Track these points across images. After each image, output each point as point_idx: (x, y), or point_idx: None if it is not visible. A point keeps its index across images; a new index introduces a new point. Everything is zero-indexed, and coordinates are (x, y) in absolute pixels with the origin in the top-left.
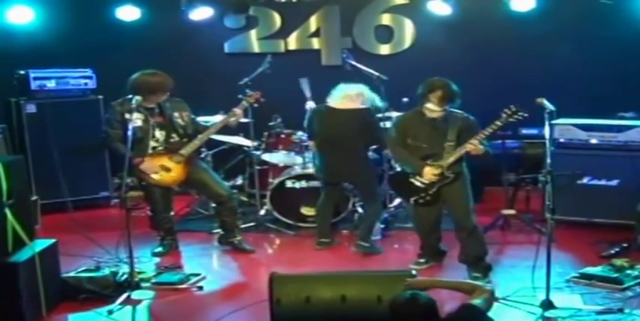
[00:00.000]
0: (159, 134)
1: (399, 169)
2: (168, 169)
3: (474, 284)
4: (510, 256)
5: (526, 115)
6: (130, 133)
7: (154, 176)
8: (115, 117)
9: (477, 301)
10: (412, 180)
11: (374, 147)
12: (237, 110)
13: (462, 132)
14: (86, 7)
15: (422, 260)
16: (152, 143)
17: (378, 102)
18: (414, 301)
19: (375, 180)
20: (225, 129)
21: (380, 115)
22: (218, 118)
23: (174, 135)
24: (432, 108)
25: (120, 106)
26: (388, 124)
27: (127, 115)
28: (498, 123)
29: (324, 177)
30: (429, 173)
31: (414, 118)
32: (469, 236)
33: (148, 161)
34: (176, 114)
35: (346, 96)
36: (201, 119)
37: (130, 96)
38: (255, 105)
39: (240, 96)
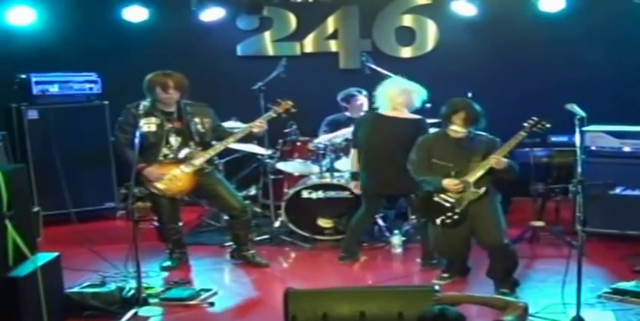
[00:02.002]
0: (174, 141)
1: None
2: (175, 178)
3: (506, 300)
4: (539, 271)
5: (549, 125)
6: (137, 140)
7: (159, 185)
8: (128, 120)
9: (509, 318)
10: (437, 199)
11: None
12: (262, 121)
13: (489, 153)
14: (91, 7)
15: (445, 275)
16: (164, 150)
17: (424, 96)
18: (442, 317)
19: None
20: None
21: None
22: (230, 124)
23: (190, 142)
24: (457, 129)
25: (135, 109)
26: None
27: (141, 120)
28: (523, 133)
29: (372, 189)
30: (451, 184)
31: (439, 139)
32: (500, 252)
33: (153, 168)
34: (196, 120)
35: (395, 109)
36: None
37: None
38: (284, 115)
39: (269, 105)
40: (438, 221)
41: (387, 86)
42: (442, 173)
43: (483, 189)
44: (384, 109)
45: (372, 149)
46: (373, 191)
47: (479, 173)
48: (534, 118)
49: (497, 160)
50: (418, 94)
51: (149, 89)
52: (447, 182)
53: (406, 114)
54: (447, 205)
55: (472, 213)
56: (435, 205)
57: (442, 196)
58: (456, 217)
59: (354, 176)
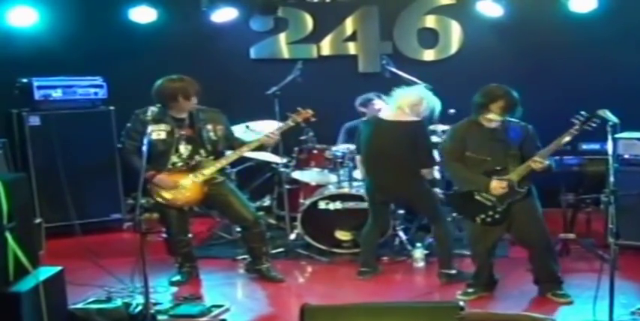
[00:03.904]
0: (184, 149)
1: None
2: (183, 188)
3: (534, 317)
4: (569, 286)
5: (599, 121)
6: (144, 147)
7: (166, 195)
8: (136, 127)
9: None
10: (478, 197)
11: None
12: (275, 132)
13: (524, 142)
14: (96, 7)
15: (471, 290)
16: (173, 158)
17: (438, 109)
18: None
19: (435, 197)
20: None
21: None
22: (242, 131)
23: (201, 151)
24: (494, 118)
25: (143, 115)
26: (435, 139)
27: (150, 127)
28: (574, 131)
29: (375, 195)
30: (498, 187)
31: (473, 129)
32: (547, 252)
33: (164, 175)
34: (209, 127)
35: (400, 108)
36: None
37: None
38: (303, 125)
39: (288, 113)
40: (478, 220)
41: (403, 92)
42: (478, 169)
43: (526, 188)
44: (389, 108)
45: (372, 154)
46: (376, 198)
47: (523, 172)
48: (583, 113)
49: (542, 163)
50: (430, 106)
51: (169, 97)
52: (494, 185)
53: (406, 116)
54: (489, 203)
55: (515, 212)
56: (475, 203)
57: (484, 194)
58: (497, 216)
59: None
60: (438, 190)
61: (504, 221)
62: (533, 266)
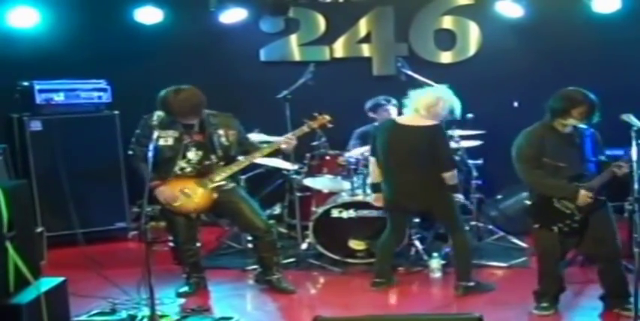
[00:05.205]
0: (193, 155)
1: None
2: (191, 195)
3: None
4: (592, 298)
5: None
6: (150, 154)
7: (172, 203)
8: (145, 132)
9: None
10: (558, 205)
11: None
12: (292, 137)
13: (595, 147)
14: (100, 7)
15: (545, 304)
16: (181, 164)
17: (458, 109)
18: None
19: (456, 205)
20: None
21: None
22: (254, 137)
23: (212, 156)
24: (573, 123)
25: (151, 120)
26: (453, 145)
27: (156, 132)
28: None
29: (393, 202)
30: (586, 196)
31: (549, 134)
32: (617, 265)
33: (168, 185)
34: (220, 132)
35: (416, 110)
36: None
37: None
38: (319, 131)
39: (304, 120)
40: (556, 229)
41: (419, 94)
42: (554, 175)
43: (604, 198)
44: (406, 112)
45: (390, 161)
46: (394, 205)
47: (605, 179)
48: None
49: (625, 169)
50: (449, 106)
51: (169, 112)
52: (583, 194)
53: (423, 120)
54: (568, 211)
55: (592, 221)
56: (554, 211)
57: (564, 202)
58: (575, 225)
59: (374, 188)
60: (459, 196)
61: (582, 231)
62: (604, 281)
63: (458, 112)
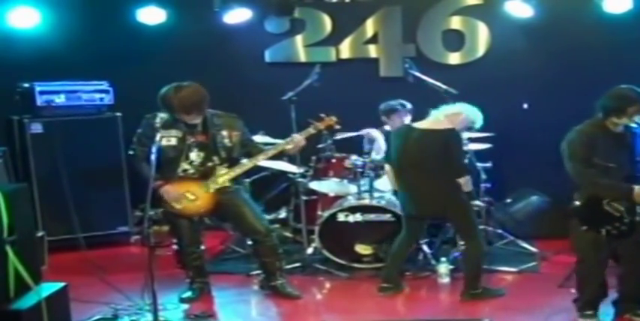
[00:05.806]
0: (195, 156)
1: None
2: (193, 197)
3: None
4: (604, 303)
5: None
6: (153, 156)
7: (175, 204)
8: (147, 132)
9: None
10: (607, 207)
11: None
12: (299, 137)
13: None
14: (102, 8)
15: (589, 312)
16: (184, 165)
17: (479, 123)
18: None
19: (472, 211)
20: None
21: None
22: (258, 139)
23: (214, 157)
24: (626, 122)
25: (154, 120)
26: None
27: (159, 133)
28: None
29: (409, 210)
30: None
31: (600, 134)
32: None
33: (172, 186)
34: (224, 133)
35: (436, 117)
36: None
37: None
38: (325, 132)
39: (310, 120)
40: (604, 231)
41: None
42: (603, 176)
43: None
44: (423, 121)
45: (406, 166)
46: (411, 212)
47: None
48: None
49: None
50: (469, 118)
51: (169, 109)
52: (639, 191)
53: (440, 125)
54: (617, 214)
55: (638, 225)
56: (603, 213)
57: (613, 204)
58: (623, 228)
59: (396, 194)
60: (478, 203)
61: (630, 235)
62: (625, 285)
63: (477, 126)
